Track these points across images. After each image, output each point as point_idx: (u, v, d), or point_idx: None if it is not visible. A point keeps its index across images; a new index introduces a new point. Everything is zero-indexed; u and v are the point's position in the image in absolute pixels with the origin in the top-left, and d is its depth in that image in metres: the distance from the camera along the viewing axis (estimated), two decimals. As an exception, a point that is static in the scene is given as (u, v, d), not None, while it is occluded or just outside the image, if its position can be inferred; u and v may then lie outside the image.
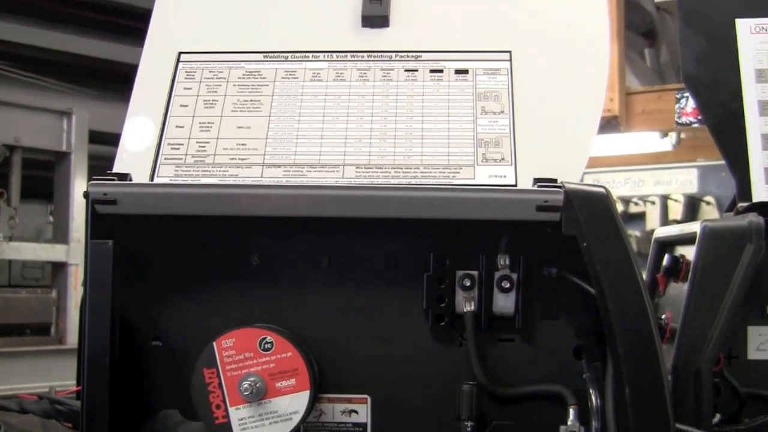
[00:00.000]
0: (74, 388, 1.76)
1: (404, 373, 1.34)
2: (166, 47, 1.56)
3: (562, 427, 1.28)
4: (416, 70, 1.51)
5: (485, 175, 1.39)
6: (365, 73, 1.51)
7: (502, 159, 1.41)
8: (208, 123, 1.46)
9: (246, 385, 1.24)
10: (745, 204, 1.61)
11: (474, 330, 1.31)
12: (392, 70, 1.51)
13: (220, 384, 1.25)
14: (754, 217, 1.53)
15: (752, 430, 1.50)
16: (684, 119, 6.84)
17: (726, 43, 1.70)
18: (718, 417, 1.53)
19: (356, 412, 1.34)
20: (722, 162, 1.69)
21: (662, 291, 1.76)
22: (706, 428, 1.46)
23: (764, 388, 1.53)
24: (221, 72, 1.52)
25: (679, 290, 1.66)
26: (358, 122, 1.45)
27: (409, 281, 1.34)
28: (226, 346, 1.26)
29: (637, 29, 8.73)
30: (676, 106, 6.89)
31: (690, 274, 1.55)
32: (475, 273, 1.32)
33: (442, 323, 1.33)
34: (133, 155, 1.46)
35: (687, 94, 5.96)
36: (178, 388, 1.32)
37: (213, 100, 1.48)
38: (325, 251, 1.35)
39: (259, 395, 1.24)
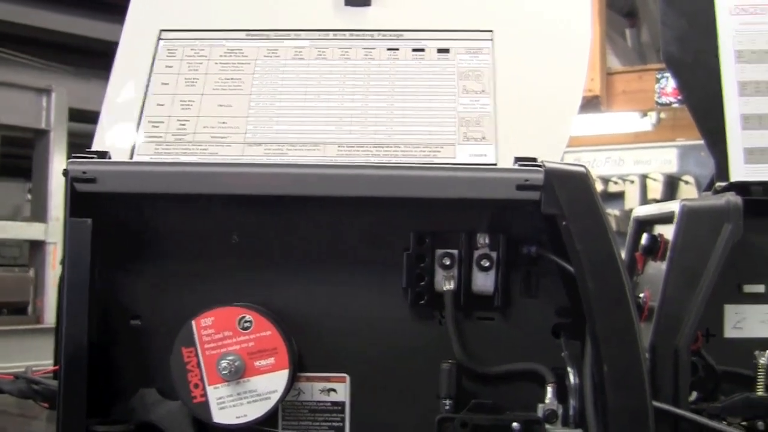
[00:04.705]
0: (51, 368, 1.75)
1: (383, 352, 1.34)
2: (146, 24, 1.55)
3: (540, 406, 1.29)
4: (398, 49, 1.51)
5: (466, 154, 1.39)
6: (347, 52, 1.51)
7: (483, 138, 1.41)
8: (189, 101, 1.45)
9: (224, 364, 1.24)
10: (723, 183, 1.62)
11: (453, 308, 1.31)
12: (374, 48, 1.51)
13: (198, 363, 1.25)
14: (732, 197, 1.53)
15: (728, 407, 1.51)
16: (664, 99, 6.87)
17: (706, 24, 1.71)
18: (695, 395, 1.54)
19: (335, 390, 1.34)
20: (701, 142, 1.70)
21: (641, 270, 1.77)
22: (684, 406, 1.48)
23: (741, 366, 1.55)
24: (202, 50, 1.51)
25: (657, 269, 1.67)
26: (340, 101, 1.45)
27: (389, 260, 1.34)
28: (205, 325, 1.26)
29: (618, 9, 8.75)
30: (657, 86, 6.91)
31: (668, 253, 1.56)
32: (454, 252, 1.32)
33: (422, 302, 1.33)
34: (113, 133, 1.46)
35: (667, 74, 5.98)
36: (156, 367, 1.32)
37: (194, 78, 1.48)
38: (305, 229, 1.35)
39: (237, 374, 1.25)
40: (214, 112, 1.44)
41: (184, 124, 1.43)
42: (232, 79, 1.47)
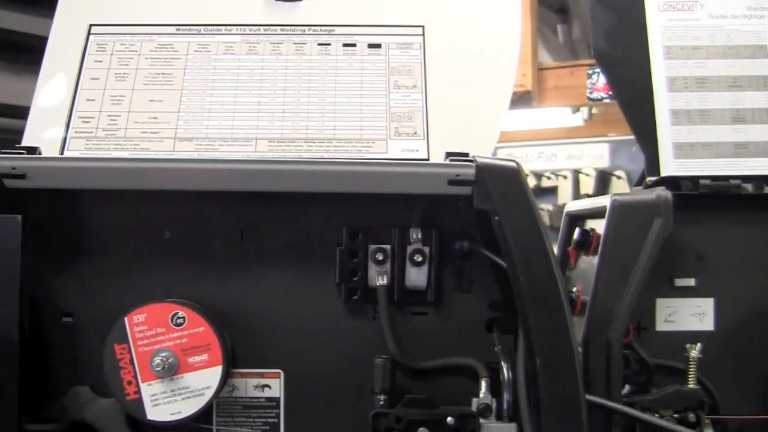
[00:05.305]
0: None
1: (317, 347, 1.34)
2: (76, 19, 1.53)
3: (474, 400, 1.29)
4: (329, 44, 1.50)
5: (398, 149, 1.40)
6: (278, 47, 1.50)
7: (415, 133, 1.41)
8: (120, 96, 1.44)
9: (158, 361, 1.23)
10: (653, 178, 1.63)
11: (387, 304, 1.32)
12: (305, 44, 1.51)
13: (131, 360, 1.24)
14: (662, 191, 1.55)
15: (660, 400, 1.53)
16: (595, 95, 6.93)
17: (636, 20, 1.72)
18: (627, 388, 1.56)
19: (269, 386, 1.34)
20: (633, 137, 1.72)
21: (573, 264, 1.78)
22: (616, 399, 1.49)
23: (672, 358, 1.56)
24: (133, 45, 1.49)
25: (589, 263, 1.69)
26: (271, 96, 1.45)
27: (322, 255, 1.34)
28: (138, 322, 1.24)
29: (550, 5, 8.80)
30: (588, 81, 6.96)
31: (600, 247, 1.57)
32: (387, 247, 1.33)
33: (355, 297, 1.33)
34: (43, 128, 1.44)
35: (598, 69, 6.03)
36: (89, 364, 1.31)
37: (124, 73, 1.46)
38: (238, 225, 1.34)
39: (171, 371, 1.24)
40: (145, 107, 1.43)
41: (114, 120, 1.41)
42: (162, 74, 1.46)
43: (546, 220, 6.14)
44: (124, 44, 1.50)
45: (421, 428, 1.29)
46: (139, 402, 1.24)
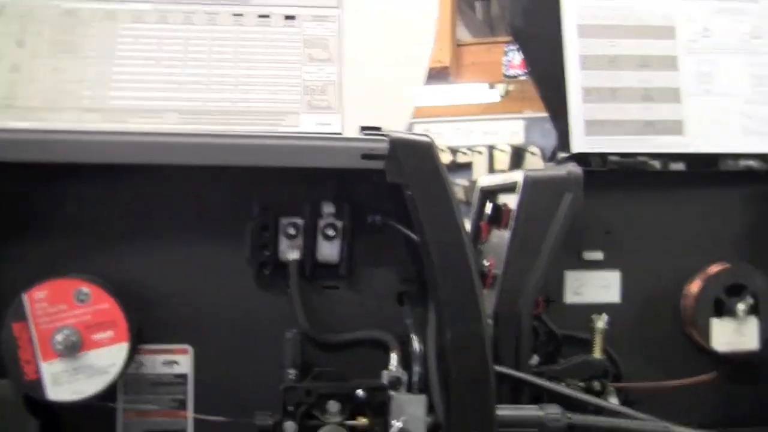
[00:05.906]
0: None
1: (227, 323, 1.33)
2: None
3: (385, 372, 1.29)
4: (243, 15, 1.48)
5: (311, 123, 1.38)
6: (190, 17, 1.47)
7: (328, 107, 1.40)
8: (19, 64, 1.39)
9: (59, 338, 1.20)
10: (564, 154, 1.65)
11: (298, 278, 1.31)
12: (218, 14, 1.48)
13: (30, 338, 1.21)
14: (573, 167, 1.57)
15: (567, 369, 1.56)
16: (511, 72, 6.98)
17: (552, -2, 1.73)
18: (536, 358, 1.57)
19: (177, 363, 1.32)
20: (547, 114, 1.73)
21: (485, 238, 1.80)
22: (525, 369, 1.51)
23: (579, 330, 1.59)
24: (34, 9, 1.45)
25: (501, 237, 1.70)
26: (182, 67, 1.42)
27: (233, 229, 1.32)
28: (38, 298, 1.21)
29: (468, -19, 8.83)
30: (505, 58, 7.02)
31: (512, 221, 1.58)
32: (299, 221, 1.32)
33: (266, 271, 1.32)
34: None
35: (515, 47, 6.07)
36: None
37: (24, 40, 1.42)
38: (145, 199, 1.32)
39: (74, 349, 1.21)
40: (47, 76, 1.38)
41: (13, 89, 1.37)
42: (67, 41, 1.42)
43: (461, 195, 6.17)
44: (24, 8, 1.45)
45: (330, 401, 1.28)
46: (39, 382, 1.21)
